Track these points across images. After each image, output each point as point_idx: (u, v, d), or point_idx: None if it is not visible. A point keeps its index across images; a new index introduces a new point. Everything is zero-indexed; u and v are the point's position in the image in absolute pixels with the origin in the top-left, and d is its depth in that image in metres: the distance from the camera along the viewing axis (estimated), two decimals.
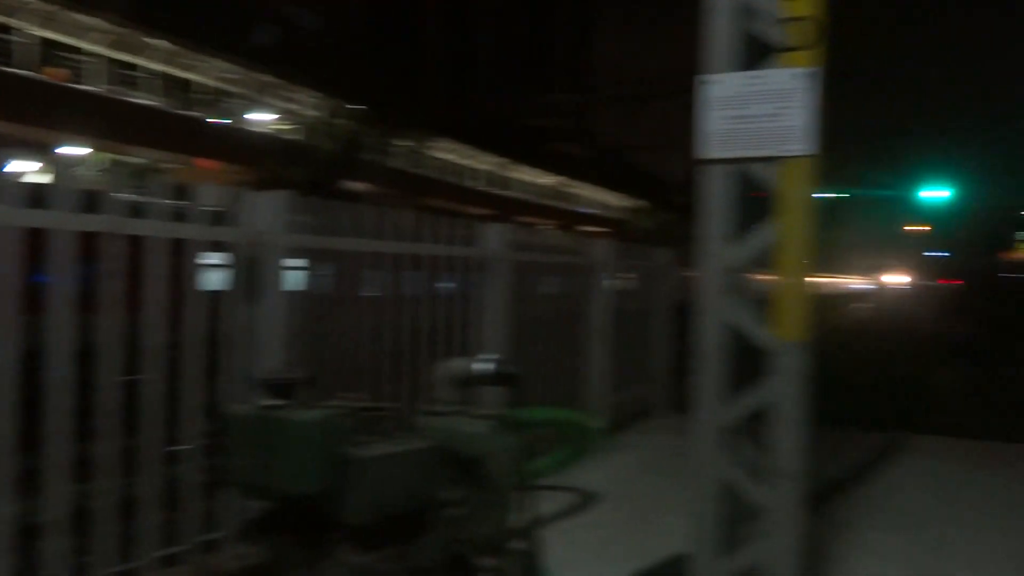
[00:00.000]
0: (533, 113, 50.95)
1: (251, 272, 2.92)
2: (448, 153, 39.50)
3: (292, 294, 3.15)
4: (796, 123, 2.13)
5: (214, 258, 2.92)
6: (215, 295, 2.98)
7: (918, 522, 4.29)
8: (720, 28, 2.20)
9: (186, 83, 27.46)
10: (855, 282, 75.77)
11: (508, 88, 52.34)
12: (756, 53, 2.28)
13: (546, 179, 51.54)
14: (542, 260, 5.14)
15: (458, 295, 4.20)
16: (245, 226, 2.86)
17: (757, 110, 2.18)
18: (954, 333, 30.35)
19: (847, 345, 25.93)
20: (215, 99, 27.78)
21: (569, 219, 51.96)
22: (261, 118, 28.77)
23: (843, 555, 3.73)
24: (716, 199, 2.24)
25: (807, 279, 2.16)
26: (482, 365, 3.00)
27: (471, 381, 3.08)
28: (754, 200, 2.27)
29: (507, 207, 43.50)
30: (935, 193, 26.82)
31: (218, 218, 2.80)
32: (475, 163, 43.26)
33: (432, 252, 3.89)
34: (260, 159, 20.87)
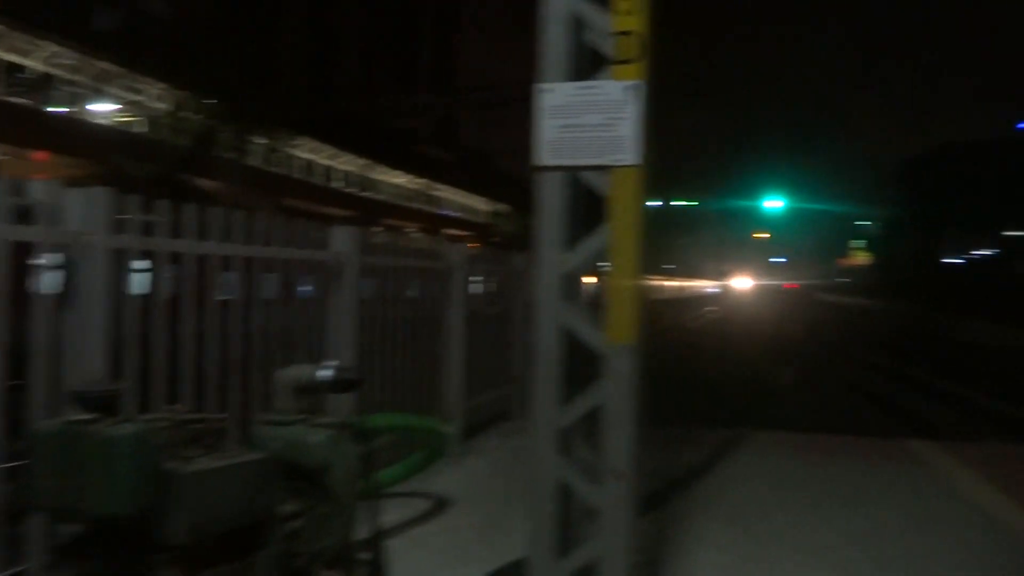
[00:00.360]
0: (398, 114, 50.53)
1: (68, 275, 2.70)
2: (309, 153, 38.42)
3: (118, 299, 2.94)
4: (626, 133, 2.21)
5: (36, 259, 2.68)
6: (27, 300, 2.73)
7: (754, 513, 4.55)
8: (553, 38, 2.24)
9: (17, 68, 25.21)
10: (706, 286, 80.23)
11: (372, 88, 51.65)
12: (591, 63, 2.34)
13: (411, 181, 51.20)
14: (395, 263, 5.07)
15: (305, 300, 4.07)
16: (58, 225, 2.63)
17: (589, 120, 2.24)
18: (792, 332, 32.71)
19: (695, 345, 27.37)
20: (50, 85, 25.65)
21: (434, 222, 51.92)
22: (103, 109, 26.88)
23: (684, 548, 3.90)
24: (551, 206, 2.29)
25: (638, 283, 2.24)
26: (323, 372, 2.91)
27: (312, 388, 2.98)
28: (591, 207, 2.34)
29: (370, 209, 42.88)
30: (774, 203, 28.83)
31: (25, 215, 2.56)
32: (338, 163, 42.31)
33: (277, 255, 3.74)
34: (100, 153, 19.46)
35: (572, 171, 2.29)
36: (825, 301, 70.34)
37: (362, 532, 2.92)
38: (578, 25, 2.27)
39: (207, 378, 3.39)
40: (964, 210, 54.51)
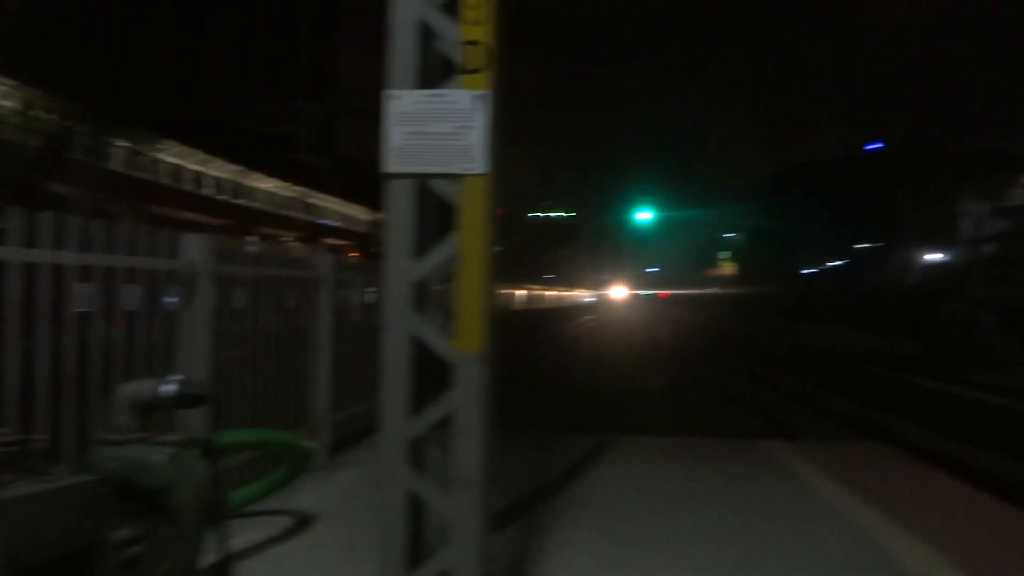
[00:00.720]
0: (274, 120, 49.00)
1: None
2: (175, 157, 36.57)
3: None
4: (474, 142, 2.21)
5: None
6: None
7: (618, 515, 4.66)
8: (402, 45, 2.22)
9: None
10: (584, 296, 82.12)
11: (246, 92, 49.91)
12: (443, 71, 2.34)
13: (287, 189, 49.70)
14: (257, 273, 4.88)
15: (154, 311, 3.84)
16: None
17: (438, 127, 2.23)
18: (664, 340, 33.97)
19: (573, 353, 27.94)
20: None
21: (312, 232, 50.59)
22: None
23: (547, 553, 3.94)
24: (400, 213, 2.26)
25: (488, 292, 2.25)
26: (166, 387, 2.76)
27: (155, 404, 2.82)
28: (442, 215, 2.33)
29: (244, 217, 41.29)
30: (645, 215, 29.96)
31: None
32: (208, 169, 40.49)
33: (118, 264, 3.51)
34: None
35: (420, 178, 2.27)
36: (696, 309, 73.54)
37: (210, 557, 2.78)
38: (427, 33, 2.27)
39: (37, 396, 3.14)
40: (820, 224, 58.46)
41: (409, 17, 2.19)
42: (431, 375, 2.41)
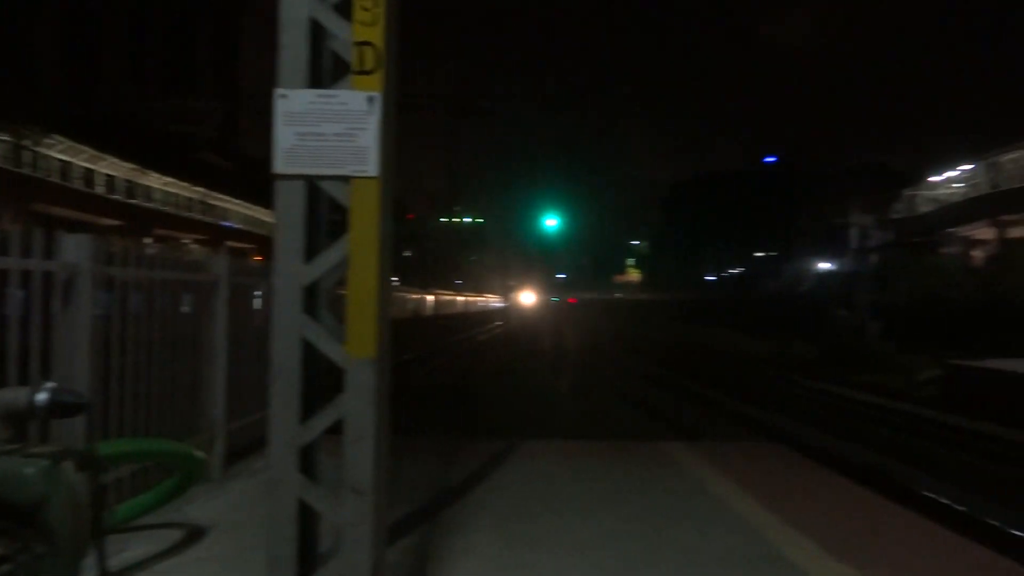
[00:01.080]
0: (173, 117, 47.16)
1: None
2: (64, 154, 34.65)
3: None
4: (366, 144, 2.18)
5: None
6: None
7: (518, 519, 4.68)
8: (291, 43, 2.17)
9: None
10: (493, 301, 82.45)
11: (144, 88, 47.87)
12: (334, 71, 2.30)
13: (187, 189, 47.86)
14: (145, 276, 4.67)
15: (28, 315, 3.61)
16: None
17: (329, 128, 2.19)
18: (570, 345, 34.47)
19: (480, 359, 28.00)
20: None
21: (214, 234, 48.91)
22: None
23: (447, 559, 3.92)
24: (289, 215, 2.21)
25: (381, 296, 2.22)
26: (39, 395, 2.62)
27: (28, 414, 2.67)
28: (334, 217, 2.29)
29: (138, 218, 39.50)
30: (552, 222, 30.39)
31: None
32: (100, 167, 38.50)
33: None
34: None
35: (311, 180, 2.23)
36: (602, 315, 74.98)
37: (89, 575, 2.65)
38: (319, 31, 2.22)
39: None
40: (720, 232, 60.67)
41: (298, 15, 2.14)
42: (323, 380, 2.36)
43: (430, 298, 73.17)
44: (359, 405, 2.16)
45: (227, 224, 52.66)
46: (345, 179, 2.21)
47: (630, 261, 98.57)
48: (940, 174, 49.88)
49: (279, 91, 2.20)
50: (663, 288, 66.76)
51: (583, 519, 4.69)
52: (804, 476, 6.20)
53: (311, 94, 2.19)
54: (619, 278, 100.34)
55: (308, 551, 2.27)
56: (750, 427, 14.69)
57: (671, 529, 4.51)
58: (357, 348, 2.17)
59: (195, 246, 44.15)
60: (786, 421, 15.16)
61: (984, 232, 45.20)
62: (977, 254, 45.38)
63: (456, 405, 14.08)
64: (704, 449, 7.20)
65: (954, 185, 49.90)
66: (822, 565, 3.94)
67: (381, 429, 2.22)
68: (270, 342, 2.25)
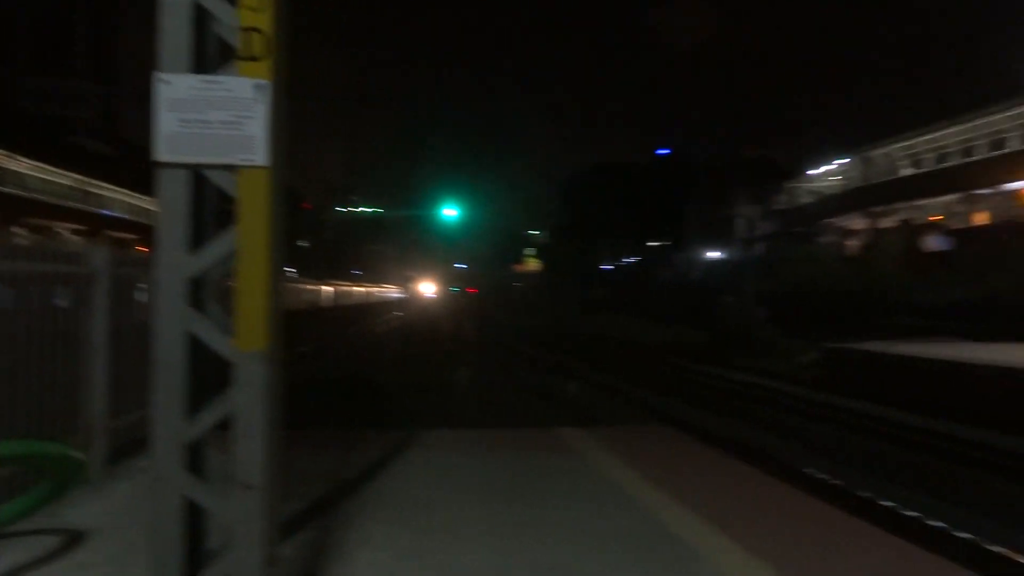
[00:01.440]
0: (45, 98, 44.22)
1: None
2: None
3: None
4: (254, 132, 2.13)
5: None
6: None
7: (417, 509, 4.69)
8: (172, 26, 2.09)
9: None
10: (393, 291, 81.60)
11: (11, 65, 44.68)
12: (220, 56, 2.23)
13: (62, 176, 44.98)
14: (9, 268, 4.37)
15: None
16: None
17: (215, 116, 2.12)
18: (471, 335, 34.57)
19: (379, 350, 27.72)
20: None
21: (95, 223, 46.21)
22: None
23: (345, 551, 3.89)
24: (173, 205, 2.13)
25: (271, 288, 2.17)
26: None
27: None
28: (223, 207, 2.22)
29: (6, 206, 36.90)
30: (451, 212, 30.35)
31: None
32: None
33: None
34: None
35: (195, 168, 2.15)
36: (503, 304, 75.54)
37: None
38: (203, 15, 2.15)
39: None
40: (615, 222, 62.10)
41: None
42: (211, 375, 2.29)
43: (328, 289, 71.67)
44: (248, 399, 2.12)
45: (109, 213, 49.85)
46: (233, 168, 2.15)
47: (530, 251, 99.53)
48: (818, 167, 52.77)
49: (160, 76, 2.11)
50: (562, 277, 67.78)
51: (480, 506, 4.75)
52: (692, 456, 6.48)
53: (195, 80, 2.12)
54: (519, 267, 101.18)
55: (196, 550, 2.21)
56: (644, 411, 15.18)
57: (566, 512, 4.63)
58: (246, 341, 2.12)
59: (74, 237, 41.61)
60: (677, 404, 15.75)
61: (857, 222, 48.19)
62: (852, 243, 48.36)
63: (355, 397, 13.90)
64: (600, 433, 7.40)
65: (831, 178, 52.93)
66: (706, 539, 4.14)
67: (272, 423, 2.18)
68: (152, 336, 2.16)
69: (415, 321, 44.17)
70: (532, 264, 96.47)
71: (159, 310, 2.14)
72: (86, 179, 46.73)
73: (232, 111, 2.13)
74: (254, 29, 2.07)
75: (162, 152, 2.13)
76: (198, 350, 2.19)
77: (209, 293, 2.25)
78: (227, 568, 2.13)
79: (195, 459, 2.21)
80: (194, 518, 2.21)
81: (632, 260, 66.29)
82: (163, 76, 2.12)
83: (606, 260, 69.77)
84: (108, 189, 49.84)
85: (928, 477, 9.50)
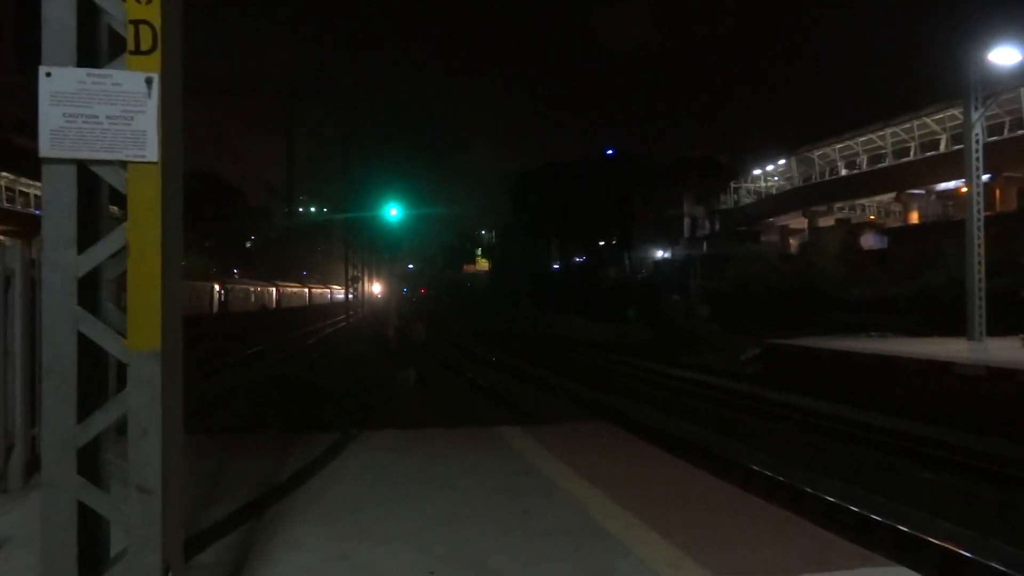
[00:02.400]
0: None
1: None
2: None
3: None
4: (145, 127, 2.08)
5: None
6: None
7: (348, 510, 4.64)
8: (57, 17, 2.03)
9: None
10: (339, 292, 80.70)
11: None
12: (110, 49, 2.18)
13: None
14: None
15: None
16: None
17: (103, 110, 2.07)
18: (419, 335, 34.41)
19: (325, 351, 27.39)
20: None
21: (27, 224, 44.61)
22: None
23: (271, 554, 3.83)
24: (59, 201, 2.07)
25: (165, 286, 2.13)
26: None
27: None
28: (116, 204, 2.17)
29: None
30: (394, 212, 30.16)
31: None
32: None
33: None
34: None
35: (83, 164, 2.10)
36: (452, 304, 75.37)
37: None
38: (89, 6, 2.09)
39: None
40: (563, 222, 62.40)
41: None
42: (105, 377, 2.24)
43: (273, 290, 70.57)
44: (142, 400, 2.07)
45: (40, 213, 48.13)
46: (123, 164, 2.10)
47: (479, 251, 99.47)
48: (760, 168, 53.93)
49: (44, 69, 2.05)
50: (511, 277, 67.89)
51: (415, 506, 4.73)
52: (628, 452, 6.56)
53: (81, 73, 2.06)
54: (469, 267, 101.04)
55: (93, 557, 2.14)
56: (586, 408, 15.34)
57: (499, 510, 4.64)
58: (139, 341, 2.07)
59: (3, 238, 40.10)
60: (620, 401, 15.95)
61: (798, 221, 49.42)
62: (793, 241, 49.56)
63: (300, 399, 13.71)
64: (539, 432, 7.43)
65: (772, 179, 54.14)
66: (635, 533, 4.20)
67: (170, 424, 2.13)
68: (43, 335, 2.10)
69: (363, 322, 43.74)
70: (482, 264, 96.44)
71: (47, 310, 2.08)
72: (16, 178, 45.07)
73: (121, 105, 2.08)
74: (142, 21, 2.03)
75: (46, 148, 2.07)
76: (91, 351, 2.14)
77: (104, 293, 2.20)
78: (127, 572, 2.08)
79: (90, 464, 2.15)
80: (90, 525, 2.15)
81: (580, 259, 66.76)
82: (47, 69, 2.06)
83: (556, 260, 70.11)
84: (40, 188, 48.13)
85: (855, 466, 9.81)
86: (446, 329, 43.31)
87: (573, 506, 4.74)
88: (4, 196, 44.97)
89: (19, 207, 45.90)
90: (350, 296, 36.69)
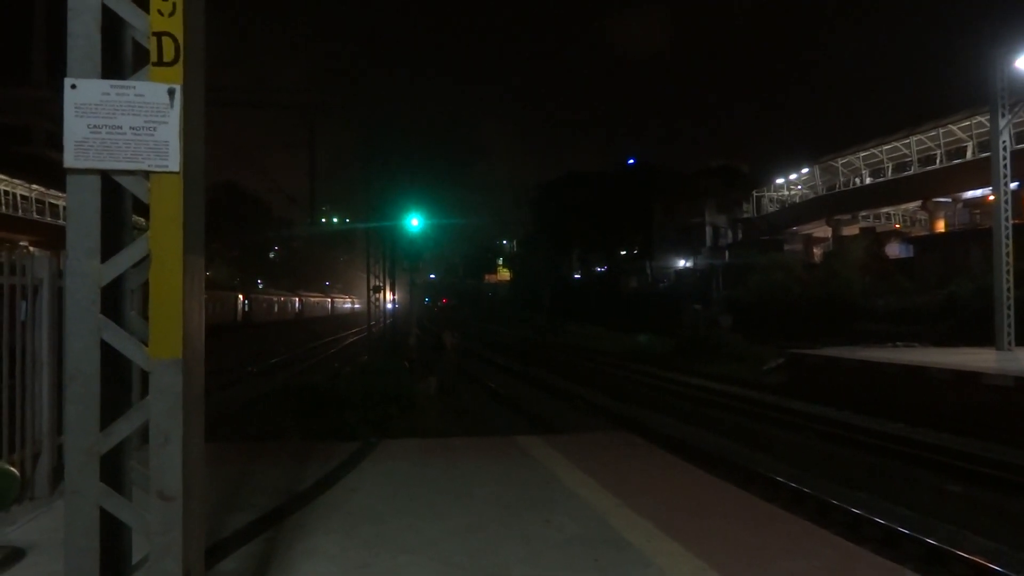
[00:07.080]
0: (1, 107, 43.38)
1: None
2: None
3: None
4: (166, 138, 2.11)
5: None
6: None
7: (369, 519, 4.65)
8: (82, 31, 2.06)
9: None
10: (361, 301, 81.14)
11: None
12: (133, 61, 2.21)
13: (22, 188, 44.15)
14: None
15: None
16: None
17: (126, 121, 2.10)
18: (440, 344, 34.45)
19: (348, 359, 27.50)
20: None
21: (54, 235, 45.34)
22: None
23: (293, 563, 3.84)
24: (83, 211, 2.10)
25: (188, 294, 2.15)
26: None
27: None
28: (139, 214, 2.19)
29: None
30: (415, 222, 30.26)
31: None
32: None
33: None
34: None
35: (106, 174, 2.13)
36: (474, 314, 75.45)
37: None
38: (113, 19, 2.12)
39: None
40: (585, 232, 62.25)
41: (89, 1, 2.04)
42: (128, 384, 2.26)
43: (296, 300, 71.10)
44: (163, 407, 2.09)
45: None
46: (145, 174, 2.13)
47: (500, 261, 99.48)
48: (783, 176, 53.53)
49: (69, 81, 2.09)
50: (532, 287, 67.76)
51: (435, 516, 4.72)
52: (649, 462, 6.51)
53: (105, 85, 2.09)
54: (491, 277, 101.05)
55: (114, 563, 2.16)
56: (607, 418, 15.25)
57: (520, 520, 4.62)
58: (160, 349, 2.09)
59: (33, 249, 40.81)
60: (641, 411, 15.83)
61: (821, 230, 48.95)
62: (816, 250, 49.08)
63: (322, 408, 13.76)
64: (559, 441, 7.41)
65: (795, 187, 53.71)
66: (656, 544, 4.16)
67: (191, 432, 2.15)
68: (66, 344, 2.13)
69: (385, 332, 43.88)
70: (504, 274, 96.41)
71: (70, 318, 2.11)
72: (45, 190, 45.91)
73: (144, 116, 2.10)
74: (165, 33, 2.06)
75: (71, 158, 2.10)
76: (113, 359, 2.16)
77: (128, 302, 2.22)
78: None
79: (113, 471, 2.17)
80: (112, 531, 2.17)
81: (602, 269, 66.53)
82: (72, 81, 2.09)
83: (577, 269, 69.94)
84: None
85: (881, 478, 9.65)
86: (468, 339, 43.30)
87: (594, 516, 4.71)
88: (34, 207, 45.76)
89: (48, 218, 46.69)
90: (373, 305, 36.79)
